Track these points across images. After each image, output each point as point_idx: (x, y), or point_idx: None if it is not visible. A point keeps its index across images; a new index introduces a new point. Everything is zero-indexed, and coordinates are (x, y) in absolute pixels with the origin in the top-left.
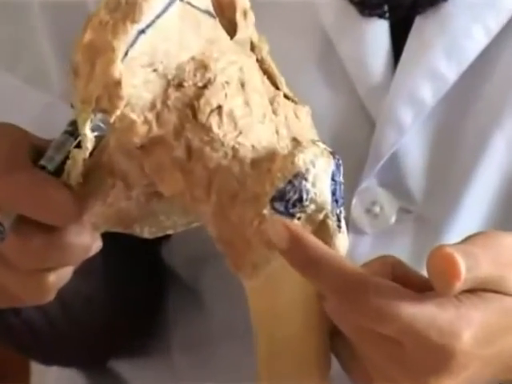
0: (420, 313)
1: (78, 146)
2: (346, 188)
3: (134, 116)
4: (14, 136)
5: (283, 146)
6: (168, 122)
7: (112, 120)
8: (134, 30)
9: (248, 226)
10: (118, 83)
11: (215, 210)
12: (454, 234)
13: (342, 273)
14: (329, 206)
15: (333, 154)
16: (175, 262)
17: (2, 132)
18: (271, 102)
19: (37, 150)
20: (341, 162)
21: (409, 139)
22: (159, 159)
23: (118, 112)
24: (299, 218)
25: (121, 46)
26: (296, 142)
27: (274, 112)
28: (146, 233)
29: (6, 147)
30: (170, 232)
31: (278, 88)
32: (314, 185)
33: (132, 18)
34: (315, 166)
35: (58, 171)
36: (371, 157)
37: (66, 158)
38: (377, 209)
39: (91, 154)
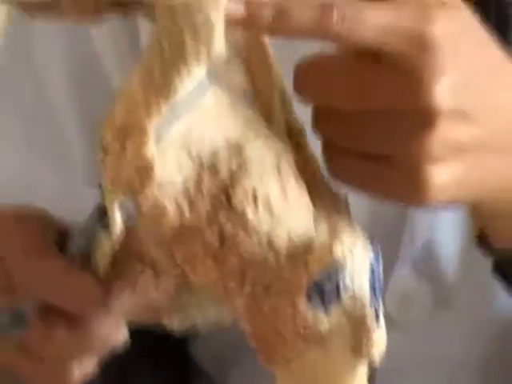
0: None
1: (106, 231)
2: None
3: (165, 201)
4: (41, 220)
5: (322, 235)
6: (201, 207)
7: (143, 204)
8: (167, 108)
9: (283, 320)
10: (149, 165)
11: (249, 302)
12: (487, 322)
13: None
14: (367, 299)
15: (372, 243)
16: (203, 358)
17: (29, 216)
18: (309, 189)
19: (63, 236)
20: (380, 250)
21: (444, 227)
22: (191, 247)
23: (149, 195)
24: (336, 312)
25: (153, 125)
26: (334, 232)
27: (312, 200)
28: (176, 325)
29: (33, 231)
30: (199, 325)
31: (314, 174)
32: (351, 277)
33: (166, 95)
34: (354, 256)
35: (85, 257)
36: (404, 246)
37: (93, 243)
38: (410, 299)
39: (120, 239)
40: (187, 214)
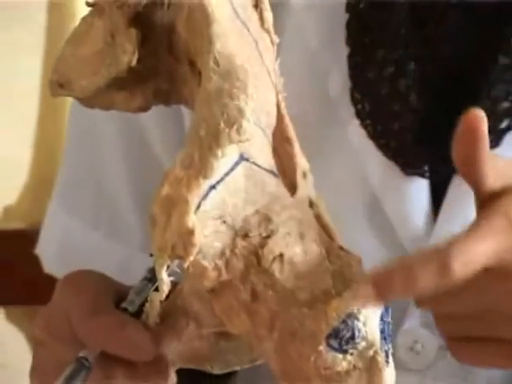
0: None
1: (156, 290)
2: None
3: (205, 263)
4: (101, 282)
5: (339, 289)
6: (235, 267)
7: (186, 266)
8: (205, 185)
9: (306, 361)
10: (191, 232)
11: (277, 347)
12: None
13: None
14: (378, 343)
15: None
16: None
17: (91, 278)
18: (328, 252)
19: (120, 295)
20: (389, 304)
21: None
22: (227, 301)
23: (192, 258)
24: (352, 354)
25: (194, 199)
26: (349, 287)
27: (330, 261)
28: (216, 369)
29: (94, 291)
30: (236, 368)
31: (333, 240)
32: (365, 324)
33: (204, 174)
34: (366, 307)
35: (138, 313)
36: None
37: (145, 300)
38: (419, 347)
39: (168, 296)
40: (224, 273)
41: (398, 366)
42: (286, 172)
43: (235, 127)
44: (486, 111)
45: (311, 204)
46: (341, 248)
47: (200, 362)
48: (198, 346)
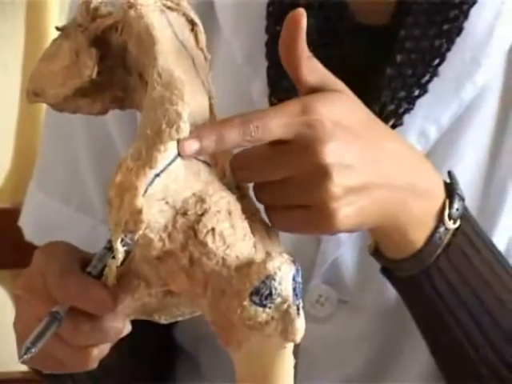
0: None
1: (114, 257)
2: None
3: (152, 235)
4: (69, 251)
5: (259, 256)
6: (176, 239)
7: (136, 238)
8: (151, 173)
9: (233, 314)
10: (140, 212)
11: (210, 302)
12: (379, 316)
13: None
14: (290, 298)
15: (294, 261)
16: (182, 339)
17: (61, 248)
18: (250, 225)
19: (85, 261)
20: (299, 267)
21: (345, 249)
22: (170, 266)
23: (141, 232)
24: (270, 308)
25: (142, 185)
26: (268, 254)
27: (252, 232)
28: (163, 320)
29: (64, 258)
30: (179, 319)
31: (255, 214)
32: (280, 284)
33: (150, 165)
34: (281, 270)
35: (100, 276)
36: (318, 263)
37: (105, 265)
38: (322, 299)
39: (123, 262)
40: (167, 243)
41: (307, 316)
42: (217, 162)
43: (174, 127)
44: (375, 114)
45: (238, 187)
46: (262, 221)
47: (150, 314)
48: (148, 302)
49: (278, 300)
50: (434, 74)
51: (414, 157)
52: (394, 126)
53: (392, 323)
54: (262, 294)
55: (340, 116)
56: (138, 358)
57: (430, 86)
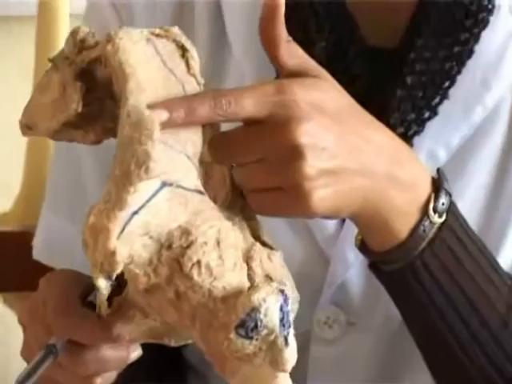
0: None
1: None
2: (308, 306)
3: (137, 270)
4: (72, 280)
5: (258, 281)
6: (162, 273)
7: (113, 277)
8: (127, 212)
9: (221, 346)
10: (113, 253)
11: (200, 334)
12: (386, 337)
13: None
14: (277, 329)
15: (282, 291)
16: (192, 359)
17: (64, 277)
18: (248, 250)
19: (89, 288)
20: (288, 296)
21: (353, 271)
22: (158, 299)
23: (118, 271)
24: (257, 339)
25: (114, 227)
26: (268, 278)
27: (250, 257)
28: (173, 343)
29: (62, 289)
30: (189, 341)
31: (259, 237)
32: (265, 315)
33: (119, 207)
34: (266, 301)
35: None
36: (327, 284)
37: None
38: (330, 321)
39: (121, 292)
40: (152, 278)
41: (315, 338)
42: (213, 174)
43: (143, 168)
44: None
45: (242, 209)
46: (264, 244)
47: (158, 338)
48: (154, 326)
49: (265, 332)
50: (444, 96)
51: (398, 148)
52: None
53: (398, 344)
54: (248, 326)
55: (317, 99)
56: (147, 374)
57: (440, 108)
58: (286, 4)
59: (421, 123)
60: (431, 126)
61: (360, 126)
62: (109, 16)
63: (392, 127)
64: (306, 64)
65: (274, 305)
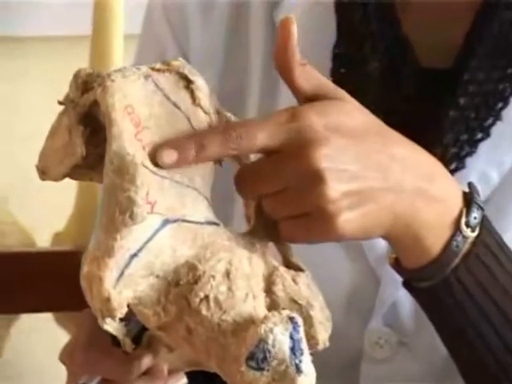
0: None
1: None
2: (359, 326)
3: (146, 311)
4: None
5: (283, 305)
6: (171, 311)
7: (117, 320)
8: (123, 257)
9: (236, 378)
10: (108, 300)
11: (217, 367)
12: (437, 356)
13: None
14: (287, 358)
15: (291, 318)
16: None
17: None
18: (270, 275)
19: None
20: (299, 323)
21: (404, 291)
22: (172, 336)
23: (120, 315)
24: (268, 370)
25: (105, 275)
26: (293, 303)
27: (272, 282)
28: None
29: (92, 326)
30: None
31: (288, 258)
32: (273, 346)
33: (108, 254)
34: (273, 332)
35: (135, 338)
36: (377, 305)
37: (140, 329)
38: (382, 341)
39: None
40: (162, 316)
41: (366, 357)
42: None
43: (127, 214)
44: (437, 156)
45: (268, 233)
46: (289, 266)
47: (198, 365)
48: (188, 354)
49: (275, 362)
50: (497, 117)
51: (426, 163)
52: (456, 169)
53: (449, 362)
54: (258, 358)
55: (334, 121)
56: None
57: (493, 130)
58: (342, 21)
59: (473, 144)
60: (483, 147)
61: (384, 143)
62: (160, 29)
63: (445, 147)
64: (323, 86)
65: (283, 334)
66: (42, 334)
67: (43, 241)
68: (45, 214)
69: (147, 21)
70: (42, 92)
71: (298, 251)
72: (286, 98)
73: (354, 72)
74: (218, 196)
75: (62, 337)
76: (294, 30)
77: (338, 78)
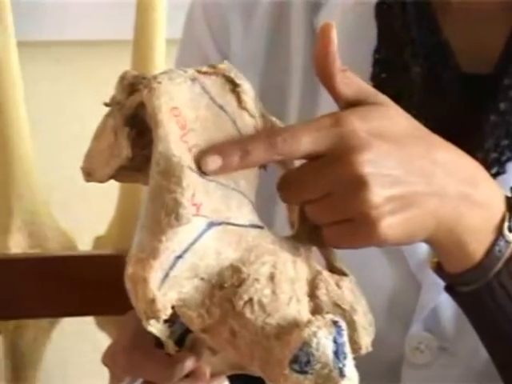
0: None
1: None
2: (400, 331)
3: (190, 313)
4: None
5: (326, 309)
6: (215, 314)
7: (161, 321)
8: (168, 258)
9: (278, 381)
10: (153, 301)
11: (261, 370)
12: (478, 361)
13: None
14: (331, 362)
15: (335, 322)
16: None
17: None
18: (314, 279)
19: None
20: (343, 327)
21: (445, 296)
22: (216, 338)
23: (164, 317)
24: (312, 373)
25: (150, 276)
26: (337, 307)
27: (316, 286)
28: (256, 372)
29: (134, 329)
30: None
31: (331, 263)
32: (317, 350)
33: (153, 256)
34: (317, 335)
35: (177, 341)
36: (418, 310)
37: (184, 332)
38: (422, 347)
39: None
40: (207, 319)
41: (406, 362)
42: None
43: (173, 216)
44: (479, 161)
45: (314, 237)
46: (333, 271)
47: (242, 368)
48: (231, 357)
49: (318, 366)
50: None
51: (469, 168)
52: (497, 174)
53: (490, 367)
54: (301, 361)
55: (376, 126)
56: None
57: None
58: (382, 27)
59: None
60: None
61: (426, 148)
62: (201, 34)
63: (486, 152)
64: (363, 91)
65: (327, 338)
66: (84, 337)
67: (85, 244)
68: (87, 217)
69: (188, 26)
70: (87, 94)
71: (339, 256)
72: (327, 99)
73: (395, 77)
74: (260, 198)
75: (104, 340)
76: (334, 36)
77: (378, 83)
